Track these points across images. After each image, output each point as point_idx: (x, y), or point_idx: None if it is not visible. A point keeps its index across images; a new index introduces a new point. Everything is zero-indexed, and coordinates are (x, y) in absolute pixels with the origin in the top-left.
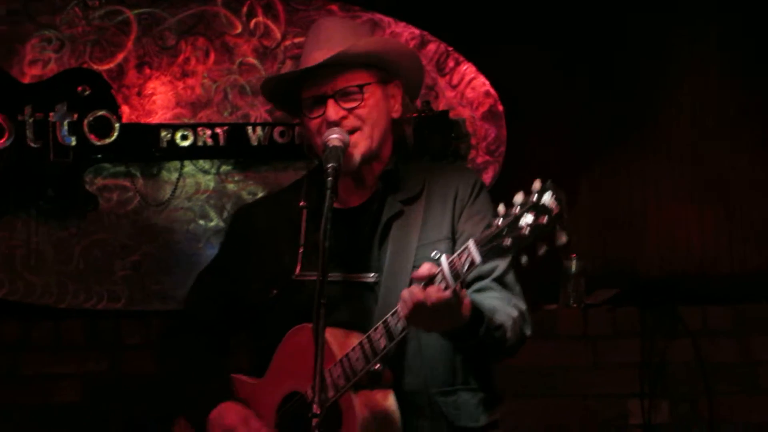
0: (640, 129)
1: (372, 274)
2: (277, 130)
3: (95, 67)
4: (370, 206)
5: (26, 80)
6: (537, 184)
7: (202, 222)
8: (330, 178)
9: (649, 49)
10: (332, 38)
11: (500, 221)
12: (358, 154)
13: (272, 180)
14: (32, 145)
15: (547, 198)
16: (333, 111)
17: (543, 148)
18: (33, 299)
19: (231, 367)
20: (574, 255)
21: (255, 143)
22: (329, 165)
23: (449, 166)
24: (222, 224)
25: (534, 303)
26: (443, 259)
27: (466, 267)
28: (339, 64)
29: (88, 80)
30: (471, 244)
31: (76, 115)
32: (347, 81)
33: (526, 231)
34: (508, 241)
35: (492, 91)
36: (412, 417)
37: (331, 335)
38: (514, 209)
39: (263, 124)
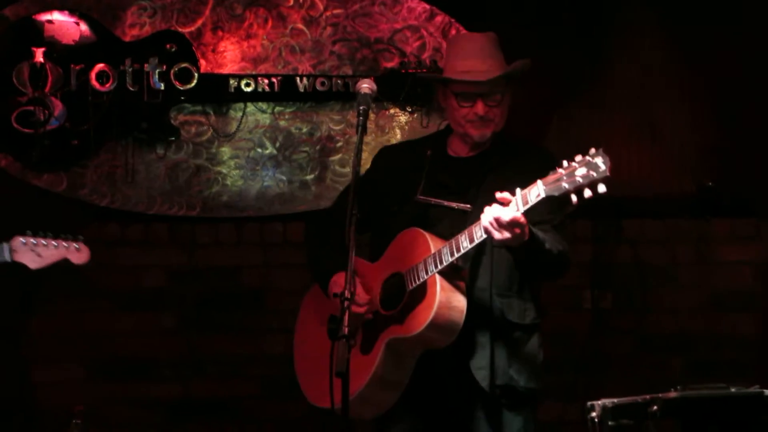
0: (595, 80)
1: (468, 205)
2: (319, 80)
3: (180, 29)
4: (476, 159)
5: (127, 39)
6: (592, 150)
7: (259, 150)
8: (361, 117)
9: (605, 15)
10: (484, 51)
11: (562, 171)
12: (489, 133)
13: (314, 118)
14: (130, 88)
15: (598, 160)
16: (482, 108)
17: (523, 95)
18: (128, 207)
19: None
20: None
21: (302, 90)
22: (361, 107)
23: (526, 141)
24: (275, 152)
25: None
26: (518, 190)
27: (533, 198)
28: (508, 77)
29: (174, 40)
30: (539, 182)
31: (164, 66)
32: (495, 90)
33: (580, 179)
34: (565, 185)
35: None
36: (476, 306)
37: (431, 238)
38: (573, 163)
39: (308, 76)
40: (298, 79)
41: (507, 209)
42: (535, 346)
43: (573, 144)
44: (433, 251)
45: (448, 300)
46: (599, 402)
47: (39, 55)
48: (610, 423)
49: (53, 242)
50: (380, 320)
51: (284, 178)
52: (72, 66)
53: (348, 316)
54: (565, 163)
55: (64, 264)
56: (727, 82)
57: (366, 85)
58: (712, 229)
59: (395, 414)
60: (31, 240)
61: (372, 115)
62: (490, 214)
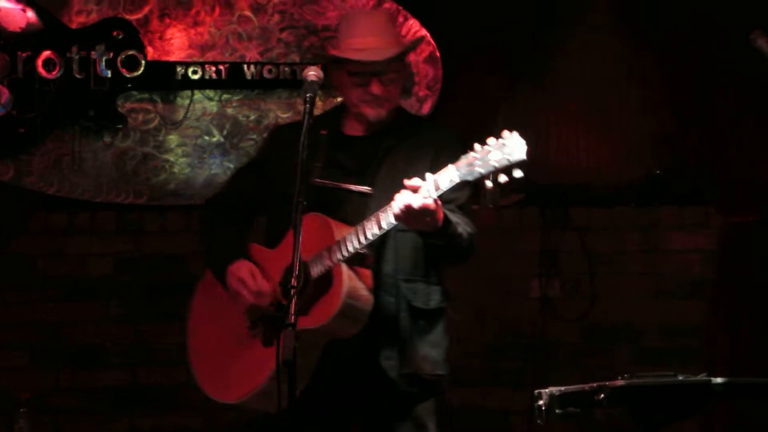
0: (543, 65)
1: (368, 188)
2: (266, 68)
3: (127, 16)
4: (373, 137)
5: (73, 26)
6: (506, 132)
7: (207, 137)
8: (307, 105)
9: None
10: (378, 28)
11: (476, 154)
12: (384, 113)
13: (261, 106)
14: (77, 76)
15: (514, 143)
16: (377, 87)
17: (470, 81)
18: (76, 195)
19: (250, 238)
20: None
21: (249, 77)
22: (308, 95)
23: (427, 118)
24: (222, 139)
25: None
26: (429, 175)
27: (446, 183)
28: (400, 57)
29: (121, 27)
30: (451, 167)
31: (111, 54)
32: (389, 68)
33: (493, 163)
34: (479, 169)
35: (432, 41)
36: (383, 293)
37: (334, 225)
38: (486, 147)
39: (255, 63)
40: (245, 66)
41: (418, 196)
42: (440, 332)
43: (521, 131)
44: (337, 238)
45: (354, 289)
46: (546, 390)
47: None
48: (557, 411)
49: None
50: (280, 309)
51: (232, 165)
52: (18, 53)
53: (294, 304)
54: (477, 146)
55: (9, 253)
56: (678, 69)
57: (313, 73)
58: (660, 216)
59: (305, 410)
60: None
61: (319, 103)
62: (401, 201)
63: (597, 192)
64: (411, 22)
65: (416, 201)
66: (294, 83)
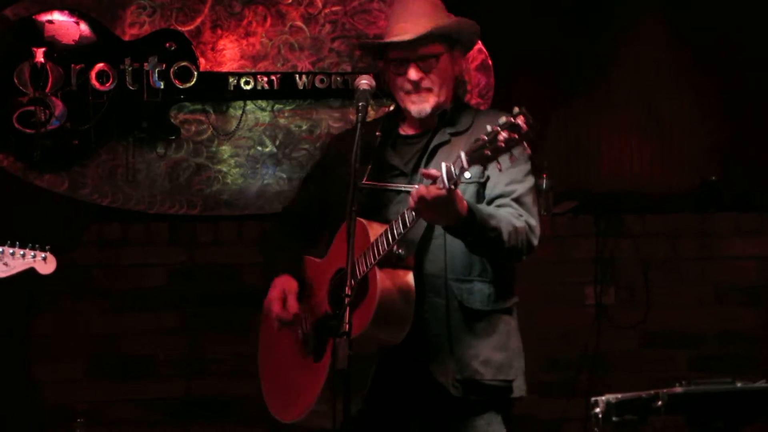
0: (597, 75)
1: (416, 186)
2: (318, 78)
3: (179, 28)
4: (426, 135)
5: (126, 38)
6: (515, 108)
7: (259, 148)
8: (359, 114)
9: (606, 11)
10: (416, 12)
11: (485, 136)
12: (428, 107)
13: (313, 115)
14: (130, 87)
15: (519, 120)
16: (414, 72)
17: (522, 91)
18: (129, 206)
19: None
20: (545, 175)
21: (301, 88)
22: (359, 103)
23: (495, 111)
24: (275, 150)
25: None
26: (442, 164)
27: (457, 171)
28: (422, 37)
29: (173, 38)
30: (462, 154)
31: (164, 65)
32: (427, 51)
33: (502, 143)
34: (488, 151)
35: (483, 48)
36: (430, 295)
37: (371, 227)
38: (495, 128)
39: (307, 73)
40: (297, 76)
41: (431, 187)
42: (504, 334)
43: (574, 140)
44: (372, 241)
45: (390, 292)
46: (603, 398)
47: (39, 55)
48: (614, 419)
49: (20, 252)
50: (330, 317)
51: (284, 176)
52: (72, 66)
53: (349, 313)
54: (488, 127)
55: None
56: (731, 76)
57: (365, 81)
58: (716, 223)
59: (363, 424)
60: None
61: (371, 111)
62: (416, 194)
63: (651, 199)
64: None
65: (429, 192)
66: (346, 92)
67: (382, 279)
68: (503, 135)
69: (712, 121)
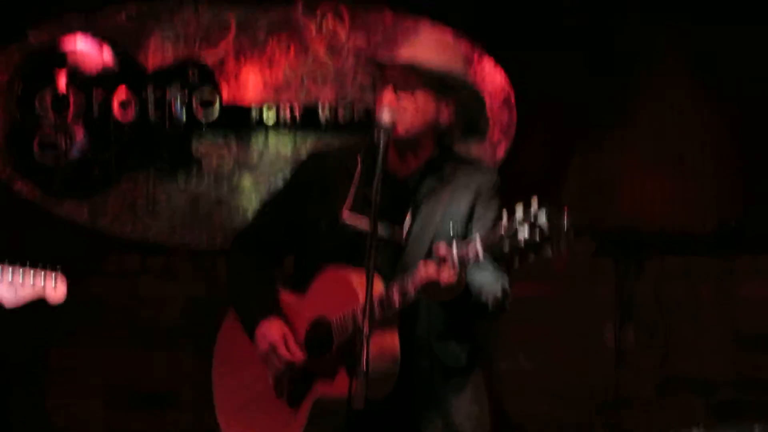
0: (618, 114)
1: (402, 233)
2: (341, 110)
3: (203, 57)
4: (413, 180)
5: (149, 67)
6: (535, 203)
7: (280, 180)
8: (381, 149)
9: (629, 51)
10: (418, 45)
11: (503, 229)
12: (394, 135)
13: None
14: (152, 117)
15: (542, 219)
16: (388, 97)
17: (544, 129)
18: (149, 237)
19: (279, 277)
20: (566, 212)
21: (323, 120)
22: (381, 139)
23: (478, 161)
24: None
25: None
26: (455, 249)
27: (471, 260)
28: (404, 65)
29: (197, 67)
30: (477, 242)
31: (187, 94)
32: (408, 80)
33: (522, 243)
34: (506, 247)
35: (507, 85)
36: (415, 356)
37: (359, 285)
38: (514, 221)
39: (330, 105)
40: (320, 108)
41: (443, 271)
42: (476, 387)
43: (594, 179)
44: (362, 301)
45: (380, 355)
46: None
47: (61, 81)
48: None
49: (30, 278)
50: (307, 367)
51: None
52: (94, 93)
53: (366, 352)
54: (505, 218)
55: (82, 294)
56: (753, 118)
57: (387, 115)
58: (736, 266)
59: None
60: (9, 271)
61: None
62: (426, 275)
63: (671, 240)
64: (485, 62)
65: (442, 277)
66: (368, 125)
67: (373, 341)
68: (524, 234)
69: (733, 162)
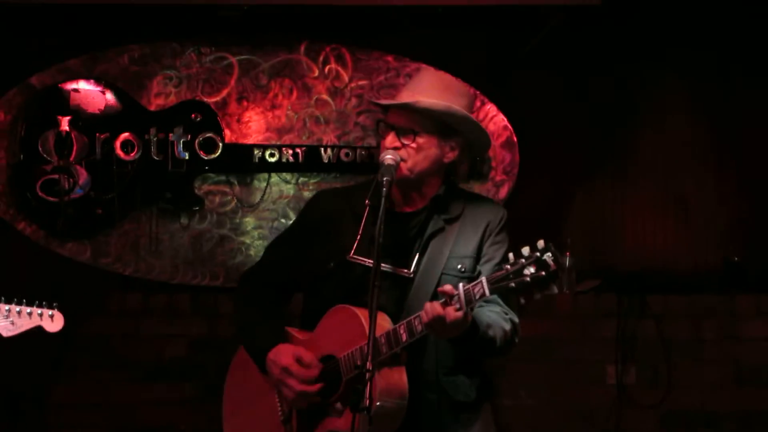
0: (621, 156)
1: (409, 271)
2: (343, 151)
3: (205, 99)
4: (419, 218)
5: (152, 108)
6: (541, 243)
7: (283, 220)
8: (384, 189)
9: (630, 94)
10: (418, 87)
11: (509, 266)
12: (397, 176)
13: None
14: (155, 158)
15: (547, 257)
16: (390, 140)
17: (547, 168)
18: (152, 276)
19: (287, 315)
20: (568, 253)
21: (326, 161)
22: (384, 178)
23: (485, 197)
24: None
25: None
26: (461, 287)
27: (477, 297)
28: (404, 107)
29: (199, 109)
30: (484, 281)
31: (189, 136)
32: (409, 123)
33: (528, 279)
34: (512, 284)
35: (509, 125)
36: (424, 391)
37: (367, 318)
38: (521, 260)
39: (333, 146)
40: (322, 149)
41: (449, 309)
42: (485, 421)
43: (598, 217)
44: (368, 335)
45: (388, 390)
46: None
47: (64, 123)
48: None
49: (27, 310)
50: (316, 405)
51: None
52: (97, 135)
53: (370, 388)
54: (511, 257)
55: (85, 333)
56: (754, 156)
57: (390, 156)
58: (738, 304)
59: None
60: (5, 308)
61: None
62: (432, 312)
63: (675, 278)
64: (488, 107)
65: (448, 315)
66: (371, 166)
67: (380, 379)
68: (530, 270)
69: (735, 200)
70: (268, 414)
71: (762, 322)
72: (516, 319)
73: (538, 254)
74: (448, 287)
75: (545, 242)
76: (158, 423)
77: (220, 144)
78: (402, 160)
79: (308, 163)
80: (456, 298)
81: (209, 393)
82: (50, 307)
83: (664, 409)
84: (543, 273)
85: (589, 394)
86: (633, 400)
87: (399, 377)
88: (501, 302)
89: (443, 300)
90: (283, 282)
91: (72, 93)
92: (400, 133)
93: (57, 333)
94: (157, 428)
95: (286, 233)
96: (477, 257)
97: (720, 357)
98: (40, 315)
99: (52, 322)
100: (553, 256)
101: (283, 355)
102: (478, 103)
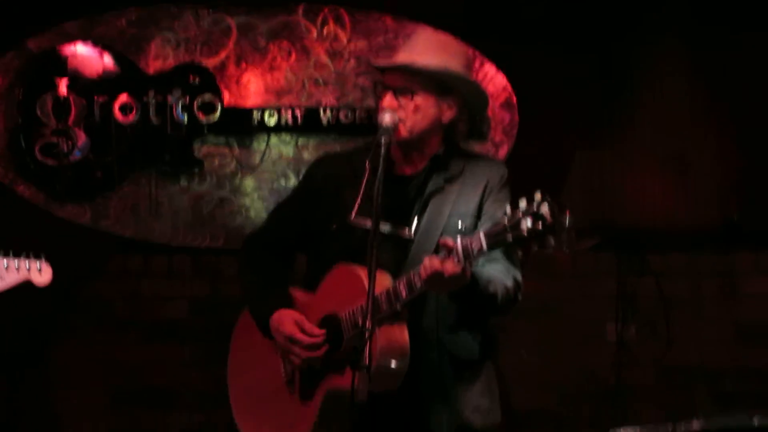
0: (620, 114)
1: (409, 231)
2: (342, 112)
3: (204, 61)
4: (419, 179)
5: (150, 71)
6: (538, 196)
7: (283, 181)
8: (383, 150)
9: (630, 53)
10: (415, 48)
11: (506, 220)
12: (396, 137)
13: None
14: (154, 120)
15: (544, 209)
16: (387, 100)
17: (546, 129)
18: (152, 238)
19: (291, 276)
20: (568, 212)
21: (325, 122)
22: (382, 139)
23: (486, 156)
24: None
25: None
26: (459, 240)
27: (475, 251)
28: (401, 68)
29: (198, 72)
30: (481, 235)
31: (188, 99)
32: (406, 83)
33: (525, 232)
34: (509, 237)
35: (508, 86)
36: (425, 349)
37: (365, 275)
38: (517, 213)
39: (332, 108)
40: (321, 111)
41: (447, 263)
42: (488, 379)
43: (597, 177)
44: (368, 293)
45: (389, 348)
46: (621, 429)
47: (62, 86)
48: None
49: (15, 263)
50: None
51: None
52: (95, 97)
53: (369, 346)
54: (508, 210)
55: (86, 295)
56: (753, 116)
57: (388, 116)
58: (737, 261)
59: None
60: None
61: None
62: (430, 267)
63: (673, 236)
64: (487, 67)
65: (446, 269)
66: (370, 128)
67: (381, 336)
68: (526, 224)
69: (734, 159)
70: (271, 375)
71: (761, 279)
72: (519, 277)
73: (535, 207)
74: (448, 240)
75: (542, 194)
76: (160, 384)
77: (219, 106)
78: (400, 120)
79: (307, 124)
80: (454, 252)
81: (210, 354)
82: (38, 258)
83: (664, 365)
84: (540, 227)
85: (589, 352)
86: (633, 358)
87: (400, 334)
88: (504, 259)
89: (442, 253)
90: (287, 246)
91: (69, 56)
92: (398, 93)
93: (55, 293)
94: (158, 389)
95: (289, 198)
96: (478, 215)
97: (719, 314)
98: (28, 268)
99: (41, 274)
100: (549, 207)
101: (285, 323)
102: (477, 64)
